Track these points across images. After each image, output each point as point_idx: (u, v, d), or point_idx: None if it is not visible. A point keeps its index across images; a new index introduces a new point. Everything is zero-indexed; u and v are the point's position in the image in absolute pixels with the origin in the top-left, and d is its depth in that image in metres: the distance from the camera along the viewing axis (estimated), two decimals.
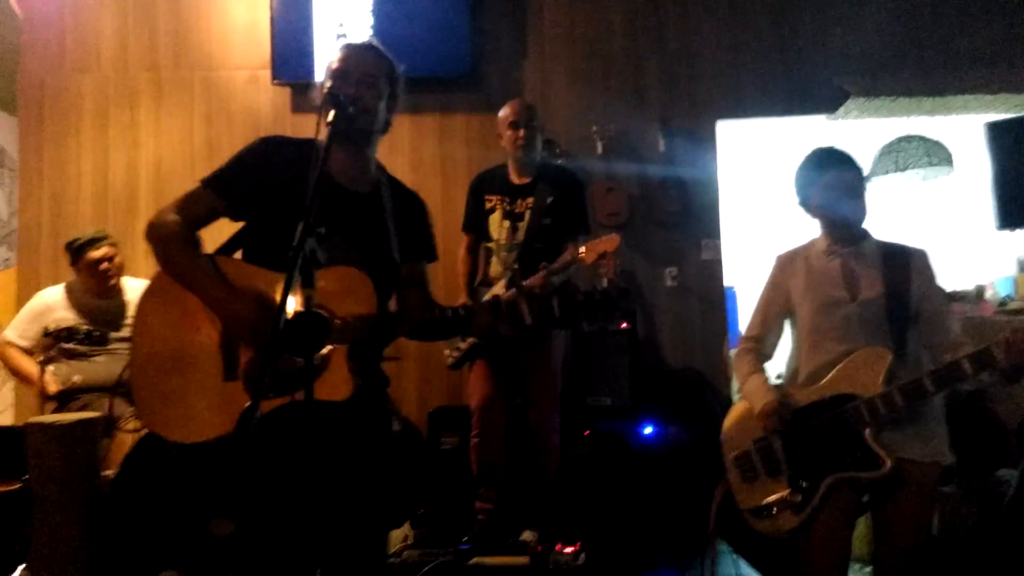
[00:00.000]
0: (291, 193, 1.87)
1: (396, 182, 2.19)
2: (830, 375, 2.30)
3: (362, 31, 4.61)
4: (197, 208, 1.97)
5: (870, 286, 2.31)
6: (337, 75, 1.99)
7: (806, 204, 2.46)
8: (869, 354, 2.26)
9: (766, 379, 2.43)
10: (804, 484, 2.26)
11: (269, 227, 1.96)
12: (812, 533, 2.27)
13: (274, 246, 1.86)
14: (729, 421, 2.50)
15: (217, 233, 2.05)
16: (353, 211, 1.99)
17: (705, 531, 2.57)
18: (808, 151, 2.48)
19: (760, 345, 2.49)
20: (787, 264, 2.48)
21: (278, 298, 1.52)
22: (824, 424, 2.27)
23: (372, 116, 2.02)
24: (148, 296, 1.95)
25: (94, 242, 3.77)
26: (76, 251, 3.77)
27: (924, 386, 2.15)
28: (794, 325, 2.47)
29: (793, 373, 2.45)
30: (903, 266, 2.32)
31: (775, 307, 2.48)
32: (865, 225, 2.42)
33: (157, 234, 1.93)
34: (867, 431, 2.20)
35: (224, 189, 1.98)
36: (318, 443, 1.73)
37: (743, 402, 2.48)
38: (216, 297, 1.85)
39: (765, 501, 2.32)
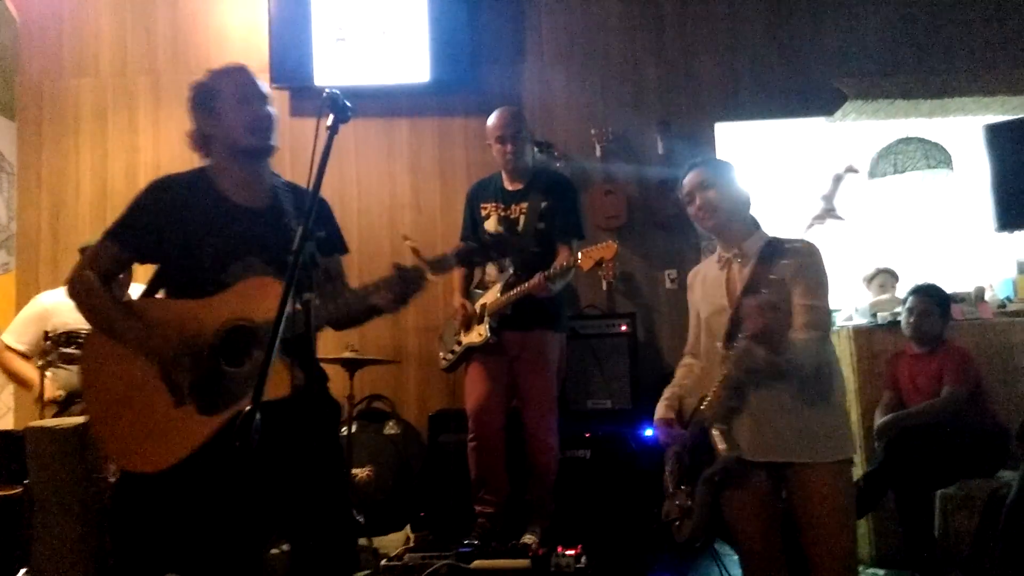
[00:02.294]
0: (191, 227, 2.01)
1: (294, 186, 2.23)
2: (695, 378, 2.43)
3: (361, 35, 4.62)
4: (105, 262, 2.07)
5: (740, 289, 2.33)
6: (241, 98, 2.07)
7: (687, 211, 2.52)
8: (711, 352, 2.34)
9: (670, 395, 2.50)
10: (686, 488, 2.32)
11: (181, 262, 2.05)
12: (736, 536, 2.32)
13: (192, 278, 2.00)
14: None
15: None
16: (255, 227, 2.06)
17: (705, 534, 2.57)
18: None
19: (695, 358, 2.55)
20: (692, 280, 2.57)
21: (193, 321, 1.69)
22: (692, 428, 2.35)
23: (275, 134, 2.12)
24: (88, 356, 2.06)
25: None
26: None
27: (730, 374, 2.22)
28: None
29: None
30: (774, 261, 2.29)
31: (695, 321, 2.55)
32: (753, 224, 2.43)
33: (76, 292, 2.05)
34: (714, 427, 2.24)
35: (125, 240, 2.07)
36: (279, 443, 1.81)
37: None
38: (133, 338, 1.95)
39: (674, 511, 2.38)
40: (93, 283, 2.02)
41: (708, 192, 2.38)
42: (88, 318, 2.04)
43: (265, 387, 1.76)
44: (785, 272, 2.24)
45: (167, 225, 2.03)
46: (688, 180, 2.45)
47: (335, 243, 2.25)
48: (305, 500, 1.98)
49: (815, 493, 2.21)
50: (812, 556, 2.22)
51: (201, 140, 2.14)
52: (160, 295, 2.12)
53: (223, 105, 2.07)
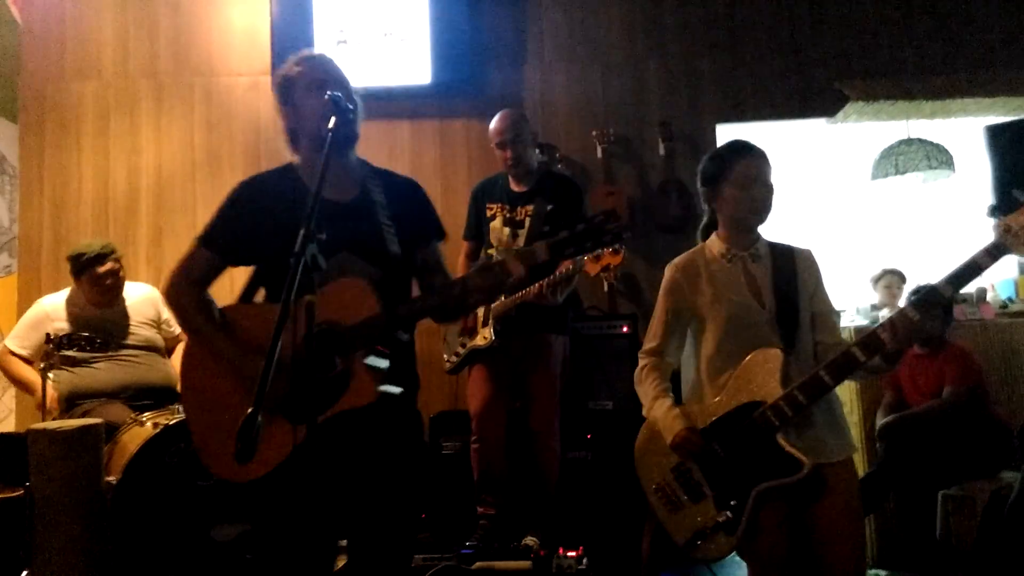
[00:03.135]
0: (283, 226, 1.89)
1: (385, 173, 2.15)
2: (728, 385, 2.25)
3: (363, 37, 4.63)
4: (199, 269, 2.02)
5: (768, 290, 2.30)
6: (315, 85, 1.97)
7: (714, 188, 2.38)
8: (760, 357, 2.20)
9: (671, 404, 2.31)
10: (733, 502, 2.19)
11: (277, 263, 1.92)
12: (754, 547, 2.20)
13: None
14: (639, 449, 2.41)
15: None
16: (347, 222, 1.97)
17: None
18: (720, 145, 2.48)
19: (662, 358, 2.42)
20: (687, 270, 2.41)
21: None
22: (738, 437, 2.20)
23: (356, 120, 2.00)
24: (188, 360, 2.02)
25: (102, 258, 3.70)
26: (82, 265, 3.70)
27: (823, 380, 2.13)
28: (696, 333, 2.38)
29: (698, 385, 2.36)
30: (790, 266, 2.31)
31: (675, 315, 2.40)
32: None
33: (173, 301, 2.03)
34: (779, 435, 2.15)
35: (219, 246, 2.01)
36: (354, 451, 1.87)
37: (648, 427, 2.38)
38: (228, 359, 1.92)
39: (697, 529, 2.24)
40: (187, 294, 2.00)
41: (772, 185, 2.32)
42: (186, 331, 2.04)
43: (346, 395, 1.82)
44: (809, 280, 2.31)
45: (259, 226, 1.97)
46: (758, 161, 2.31)
47: (430, 230, 2.17)
48: (367, 508, 1.95)
49: (836, 491, 2.18)
50: (828, 552, 2.17)
51: (291, 136, 2.05)
52: (260, 295, 2.06)
53: (299, 95, 1.99)
